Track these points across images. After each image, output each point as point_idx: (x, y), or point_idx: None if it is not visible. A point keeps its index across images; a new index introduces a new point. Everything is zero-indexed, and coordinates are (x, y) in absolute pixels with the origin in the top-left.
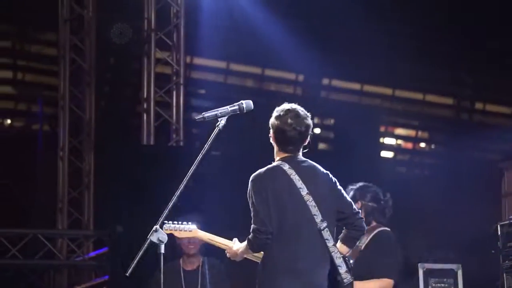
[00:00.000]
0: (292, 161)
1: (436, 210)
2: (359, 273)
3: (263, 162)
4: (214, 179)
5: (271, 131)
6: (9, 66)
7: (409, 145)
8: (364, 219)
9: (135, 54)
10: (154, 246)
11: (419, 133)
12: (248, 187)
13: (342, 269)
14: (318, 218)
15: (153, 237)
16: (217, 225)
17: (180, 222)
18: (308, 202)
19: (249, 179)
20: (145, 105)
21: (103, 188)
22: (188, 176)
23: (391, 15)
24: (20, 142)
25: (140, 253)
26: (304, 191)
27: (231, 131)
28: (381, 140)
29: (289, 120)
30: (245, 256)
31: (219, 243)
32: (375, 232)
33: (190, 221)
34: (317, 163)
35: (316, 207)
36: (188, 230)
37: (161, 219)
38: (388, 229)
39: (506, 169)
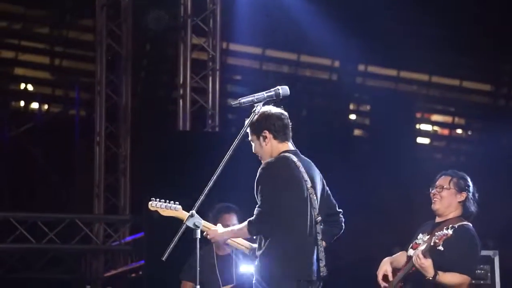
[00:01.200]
0: (296, 154)
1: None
2: (440, 264)
3: (300, 147)
4: (249, 164)
5: (265, 129)
6: (47, 52)
7: (446, 132)
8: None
9: (171, 40)
10: (190, 231)
11: (456, 119)
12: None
13: (322, 263)
14: (316, 211)
15: (189, 222)
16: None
17: (166, 201)
18: (311, 195)
19: None
20: (181, 91)
21: (139, 173)
22: (224, 162)
23: (429, 2)
24: (57, 127)
25: (176, 238)
26: (308, 184)
27: None
28: (417, 126)
29: (278, 110)
30: (229, 240)
31: (203, 225)
32: (457, 224)
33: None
34: (352, 149)
35: (316, 201)
36: (174, 209)
37: (197, 205)
38: (470, 224)
39: None
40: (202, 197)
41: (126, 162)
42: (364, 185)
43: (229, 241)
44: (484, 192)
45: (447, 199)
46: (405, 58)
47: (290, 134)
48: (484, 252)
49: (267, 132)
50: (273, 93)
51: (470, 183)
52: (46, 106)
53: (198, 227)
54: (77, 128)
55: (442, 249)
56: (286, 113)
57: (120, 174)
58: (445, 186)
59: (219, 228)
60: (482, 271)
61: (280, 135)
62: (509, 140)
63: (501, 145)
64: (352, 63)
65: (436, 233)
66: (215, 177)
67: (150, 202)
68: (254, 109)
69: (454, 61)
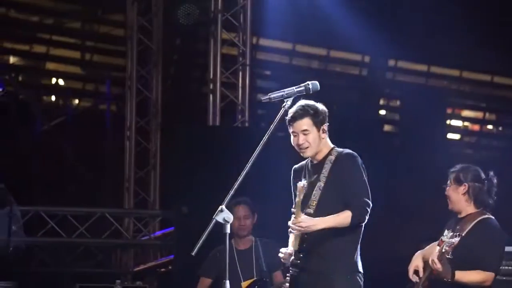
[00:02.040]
0: None
1: (504, 193)
2: (460, 261)
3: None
4: (279, 159)
5: (326, 122)
6: (78, 46)
7: (476, 127)
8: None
9: (201, 35)
10: (220, 226)
11: (487, 115)
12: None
13: None
14: None
15: (219, 217)
16: (283, 206)
17: None
18: None
19: None
20: (211, 86)
21: (169, 168)
22: (254, 157)
23: None
24: (88, 122)
25: (206, 233)
26: None
27: None
28: (448, 122)
29: None
30: (319, 228)
31: (299, 209)
32: (479, 218)
33: (255, 200)
34: (383, 144)
35: None
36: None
37: (226, 199)
38: (493, 217)
39: None
40: (231, 192)
41: (156, 157)
42: (394, 180)
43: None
44: None
45: (452, 196)
46: (436, 53)
47: None
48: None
49: (326, 125)
50: (303, 88)
51: (476, 174)
52: (76, 101)
53: (228, 222)
54: (108, 122)
55: (452, 257)
56: None
57: (150, 169)
58: (448, 183)
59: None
60: (510, 267)
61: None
62: None
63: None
64: (383, 58)
65: (446, 240)
66: (244, 172)
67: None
68: (284, 104)
69: (485, 57)
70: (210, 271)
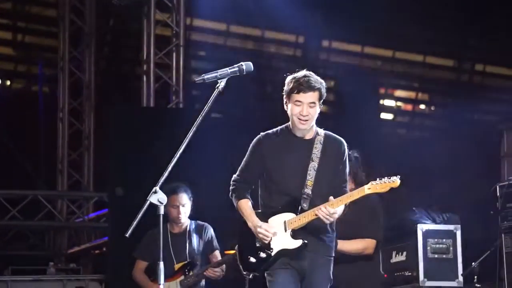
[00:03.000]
0: None
1: (435, 171)
2: (344, 234)
3: (264, 123)
4: (214, 140)
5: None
6: (9, 27)
7: (409, 107)
8: None
9: (135, 16)
10: (154, 207)
11: (419, 95)
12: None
13: None
14: None
15: (153, 199)
16: (218, 187)
17: None
18: None
19: (249, 141)
20: (145, 67)
21: (103, 150)
22: (188, 138)
23: None
24: (20, 103)
25: (140, 215)
26: None
27: (232, 93)
28: (381, 102)
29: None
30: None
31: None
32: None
33: (189, 181)
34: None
35: None
36: None
37: (160, 181)
38: None
39: (505, 130)
40: (165, 174)
41: (90, 138)
42: None
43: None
44: (447, 167)
45: None
46: (369, 34)
47: None
48: (446, 227)
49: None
50: (236, 69)
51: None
52: (8, 82)
53: (162, 203)
54: (41, 104)
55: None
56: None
57: (83, 150)
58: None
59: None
60: (444, 246)
61: None
62: (472, 114)
63: (464, 119)
64: (317, 39)
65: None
66: (179, 154)
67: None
68: (217, 85)
69: (418, 37)
70: (146, 254)
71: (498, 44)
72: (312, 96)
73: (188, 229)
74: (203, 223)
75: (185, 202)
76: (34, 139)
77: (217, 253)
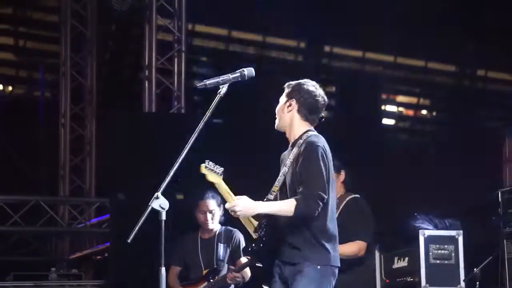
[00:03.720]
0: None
1: (438, 177)
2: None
3: (264, 129)
4: (216, 146)
5: (297, 98)
6: (11, 32)
7: (411, 112)
8: None
9: (136, 21)
10: (156, 213)
11: (421, 100)
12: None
13: None
14: None
15: (154, 204)
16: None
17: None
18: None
19: (252, 147)
20: (146, 72)
21: (105, 155)
22: (190, 143)
23: None
24: (22, 109)
25: (141, 220)
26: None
27: (234, 99)
28: (383, 107)
29: (320, 91)
30: (258, 213)
31: (230, 196)
32: (348, 198)
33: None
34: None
35: None
36: (217, 174)
37: (162, 186)
38: (358, 196)
39: (507, 135)
40: (167, 179)
41: (92, 144)
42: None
43: (257, 215)
44: (449, 173)
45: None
46: (371, 39)
47: (319, 113)
48: (448, 232)
49: (294, 102)
50: (238, 74)
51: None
52: (10, 88)
53: (164, 209)
54: (42, 109)
55: None
56: (323, 95)
57: (85, 156)
58: None
59: (246, 198)
60: (446, 251)
61: (307, 113)
62: (474, 120)
63: (466, 125)
64: (318, 44)
65: None
66: (180, 159)
67: (203, 164)
68: (219, 90)
69: (419, 42)
70: (176, 259)
71: (500, 49)
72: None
73: (217, 234)
74: (232, 229)
75: (213, 208)
76: (36, 144)
77: (243, 259)
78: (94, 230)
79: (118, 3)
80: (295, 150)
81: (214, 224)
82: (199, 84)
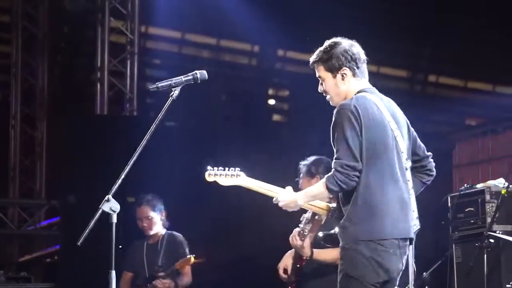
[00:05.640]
0: (374, 92)
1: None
2: (318, 243)
3: (218, 132)
4: (168, 149)
5: (347, 64)
6: None
7: None
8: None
9: (89, 23)
10: (106, 215)
11: None
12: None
13: (415, 214)
14: (404, 156)
15: (105, 207)
16: (172, 195)
17: (226, 168)
18: (397, 138)
19: (204, 149)
20: (98, 75)
21: (56, 157)
22: (141, 146)
23: None
24: None
25: (92, 223)
26: (393, 125)
27: (186, 101)
28: None
29: (347, 41)
30: (307, 204)
31: (269, 190)
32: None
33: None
34: (272, 134)
35: (403, 144)
36: (236, 175)
37: (113, 189)
38: None
39: (457, 141)
40: (118, 182)
41: (42, 146)
42: (284, 171)
43: (306, 205)
44: None
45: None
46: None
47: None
48: None
49: (347, 70)
50: (191, 77)
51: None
52: None
53: (115, 212)
54: None
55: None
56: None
57: (36, 158)
58: (300, 176)
59: (289, 191)
60: None
61: (358, 69)
62: (425, 125)
63: (417, 130)
64: (272, 48)
65: (303, 220)
66: (132, 161)
67: (207, 172)
68: (171, 93)
69: (371, 47)
70: (129, 265)
71: (451, 55)
72: (317, 70)
73: (160, 239)
74: (175, 233)
75: (149, 214)
76: None
77: (177, 264)
78: (44, 233)
79: (71, 4)
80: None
81: (155, 229)
82: (152, 87)
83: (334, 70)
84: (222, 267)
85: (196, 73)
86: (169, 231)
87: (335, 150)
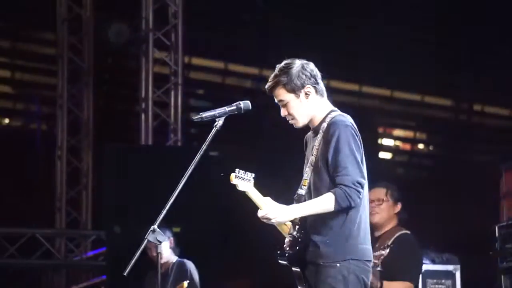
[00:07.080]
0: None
1: (435, 211)
2: (387, 273)
3: (263, 161)
4: (212, 178)
5: (308, 82)
6: (7, 65)
7: (407, 146)
8: None
9: (133, 54)
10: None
11: (417, 134)
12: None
13: None
14: None
15: (151, 237)
16: (211, 224)
17: (246, 172)
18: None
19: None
20: (143, 105)
21: (101, 188)
22: (186, 176)
23: (388, 16)
24: (18, 141)
25: (138, 253)
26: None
27: (230, 131)
28: (379, 141)
29: (298, 61)
30: (295, 217)
31: (257, 201)
32: (399, 233)
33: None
34: None
35: None
36: (248, 181)
37: (158, 220)
38: (409, 232)
39: (504, 170)
40: (164, 212)
41: (88, 176)
42: None
43: (291, 219)
44: (446, 208)
45: (386, 212)
46: (367, 73)
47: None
48: (445, 267)
49: (308, 88)
50: (234, 107)
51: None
52: (6, 120)
53: (160, 242)
54: (38, 141)
55: (381, 269)
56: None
57: (81, 188)
58: (384, 199)
59: (277, 206)
60: (444, 286)
61: (321, 91)
62: (471, 154)
63: (463, 159)
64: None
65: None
66: (177, 192)
67: (233, 174)
68: (215, 123)
69: (416, 76)
70: None
71: (495, 84)
72: (277, 94)
73: (170, 267)
74: (184, 260)
75: (151, 246)
76: (32, 177)
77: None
78: (90, 263)
79: (114, 37)
80: (319, 135)
81: (165, 258)
82: (196, 117)
83: (297, 89)
84: None
85: (239, 103)
86: (180, 259)
87: (339, 166)
